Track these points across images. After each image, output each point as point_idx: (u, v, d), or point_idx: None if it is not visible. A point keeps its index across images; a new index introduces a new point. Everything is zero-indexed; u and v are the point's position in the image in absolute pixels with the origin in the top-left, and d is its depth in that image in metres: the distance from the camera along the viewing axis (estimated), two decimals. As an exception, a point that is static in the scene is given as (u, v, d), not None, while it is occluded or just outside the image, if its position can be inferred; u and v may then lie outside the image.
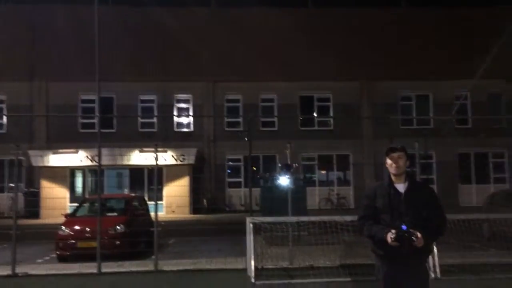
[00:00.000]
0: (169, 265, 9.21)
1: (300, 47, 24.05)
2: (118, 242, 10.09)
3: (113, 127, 24.15)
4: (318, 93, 25.21)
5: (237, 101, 25.11)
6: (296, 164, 22.60)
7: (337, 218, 8.77)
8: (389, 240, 3.51)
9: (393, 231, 3.51)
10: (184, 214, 18.76)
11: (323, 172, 25.53)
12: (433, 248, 7.79)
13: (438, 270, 7.85)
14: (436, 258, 7.87)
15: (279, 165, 21.49)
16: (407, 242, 3.48)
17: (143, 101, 24.92)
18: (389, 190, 3.75)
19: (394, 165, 3.74)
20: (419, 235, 3.47)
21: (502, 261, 9.20)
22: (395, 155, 3.77)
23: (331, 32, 24.59)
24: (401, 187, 3.74)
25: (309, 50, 24.06)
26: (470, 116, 24.15)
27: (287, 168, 11.77)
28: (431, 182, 23.75)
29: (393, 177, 3.79)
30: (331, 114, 25.12)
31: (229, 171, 24.87)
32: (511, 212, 12.26)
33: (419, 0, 25.25)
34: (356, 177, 24.72)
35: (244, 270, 8.55)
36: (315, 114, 25.25)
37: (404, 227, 3.53)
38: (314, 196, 23.20)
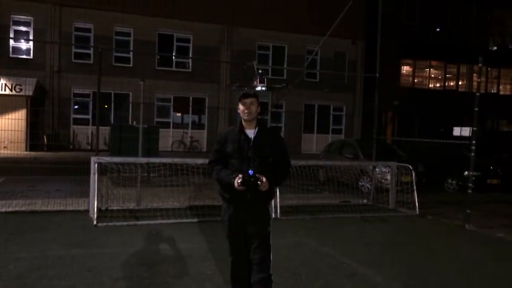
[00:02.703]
0: (-4, 207, 8.21)
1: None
2: None
3: None
4: (178, 33, 24.28)
5: (88, 30, 22.75)
6: None
7: (189, 160, 8.73)
8: (236, 184, 3.53)
9: (240, 175, 3.54)
10: (18, 150, 16.77)
11: (179, 114, 25.24)
12: (276, 192, 8.42)
13: (278, 211, 8.47)
14: (278, 200, 8.45)
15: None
16: (253, 186, 3.54)
17: (-31, 17, 21.00)
18: (239, 135, 3.73)
19: (246, 111, 3.71)
20: (264, 179, 3.56)
21: (332, 202, 10.36)
22: (247, 100, 3.73)
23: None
24: (251, 133, 3.75)
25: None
26: (318, 70, 25.94)
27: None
28: (279, 130, 25.39)
29: (244, 123, 3.78)
30: (190, 55, 24.57)
31: (76, 106, 22.91)
32: (344, 160, 13.90)
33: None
34: (211, 121, 25.06)
35: (86, 212, 8.07)
36: (173, 54, 24.42)
37: (250, 172, 3.57)
38: (168, 138, 22.95)
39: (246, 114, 3.72)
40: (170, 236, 6.76)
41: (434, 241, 7.42)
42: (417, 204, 9.60)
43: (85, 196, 8.92)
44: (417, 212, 9.49)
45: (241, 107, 3.75)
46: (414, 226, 8.62)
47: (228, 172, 3.68)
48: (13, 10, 21.24)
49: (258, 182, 3.54)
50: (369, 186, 12.60)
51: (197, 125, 25.39)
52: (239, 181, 3.53)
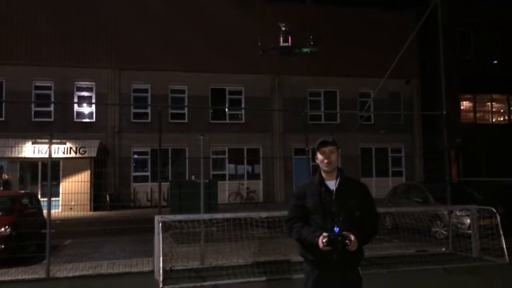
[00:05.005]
0: (63, 271, 8.17)
1: (212, 39, 23.45)
2: (2, 246, 8.76)
3: (2, 116, 21.67)
4: (230, 86, 24.79)
5: (145, 91, 23.76)
6: None
7: (252, 214, 8.39)
8: (320, 245, 3.14)
9: (325, 234, 3.14)
10: (83, 211, 17.23)
11: (233, 165, 25.26)
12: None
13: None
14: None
15: None
16: (340, 246, 3.13)
17: (38, 88, 22.53)
18: (320, 188, 3.36)
19: (325, 160, 3.36)
20: (352, 237, 3.14)
21: (407, 252, 9.55)
22: (327, 149, 3.39)
23: (243, 24, 24.29)
24: (332, 184, 3.38)
25: (222, 42, 23.58)
26: (373, 112, 25.32)
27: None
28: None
29: (323, 174, 3.42)
30: (243, 107, 24.87)
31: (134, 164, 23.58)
32: (412, 204, 13.05)
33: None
34: (266, 171, 24.83)
35: (151, 273, 7.84)
36: (227, 107, 24.84)
37: (336, 229, 3.18)
38: (224, 191, 22.87)
39: (325, 164, 3.38)
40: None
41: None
42: (505, 250, 8.60)
43: (148, 256, 8.77)
44: (507, 260, 8.48)
45: (319, 156, 3.41)
46: (506, 276, 7.67)
47: (310, 230, 3.28)
48: (77, 77, 22.65)
49: (346, 241, 3.13)
50: (444, 232, 11.66)
51: (252, 176, 25.21)
52: (324, 240, 3.13)
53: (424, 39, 22.74)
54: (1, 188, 17.17)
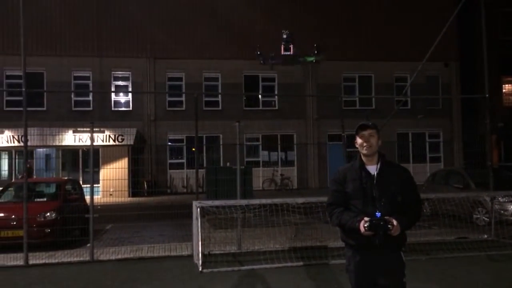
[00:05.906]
0: (106, 254, 8.48)
1: (245, 26, 23.40)
2: (48, 230, 9.16)
3: (44, 105, 22.43)
4: (263, 73, 24.71)
5: (179, 79, 24.04)
6: None
7: (289, 200, 8.41)
8: (362, 229, 3.11)
9: (366, 219, 3.11)
10: (122, 197, 17.74)
11: (267, 152, 25.27)
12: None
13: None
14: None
15: None
16: (382, 231, 3.09)
17: (77, 78, 23.19)
18: (360, 173, 3.32)
19: (365, 144, 3.32)
20: (394, 222, 3.10)
21: (447, 239, 9.35)
22: (366, 133, 3.34)
23: (276, 10, 24.10)
24: (373, 169, 3.33)
25: (254, 28, 23.48)
26: (410, 96, 24.68)
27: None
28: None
29: (364, 158, 3.37)
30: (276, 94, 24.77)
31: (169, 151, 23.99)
32: (451, 190, 12.72)
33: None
34: (300, 158, 24.75)
35: (190, 257, 8.02)
36: (260, 93, 24.80)
37: (378, 214, 3.14)
38: (258, 177, 22.97)
39: (365, 148, 3.33)
40: (280, 284, 6.38)
41: None
42: (552, 238, 8.29)
43: (186, 240, 8.95)
44: (553, 248, 8.18)
45: (359, 140, 3.37)
46: (553, 264, 7.40)
47: (351, 215, 3.25)
48: (113, 66, 23.15)
49: (389, 226, 3.09)
50: (485, 219, 11.34)
51: (286, 162, 25.17)
52: (365, 225, 3.10)
53: (463, 19, 21.90)
54: (20, 176, 17.92)
